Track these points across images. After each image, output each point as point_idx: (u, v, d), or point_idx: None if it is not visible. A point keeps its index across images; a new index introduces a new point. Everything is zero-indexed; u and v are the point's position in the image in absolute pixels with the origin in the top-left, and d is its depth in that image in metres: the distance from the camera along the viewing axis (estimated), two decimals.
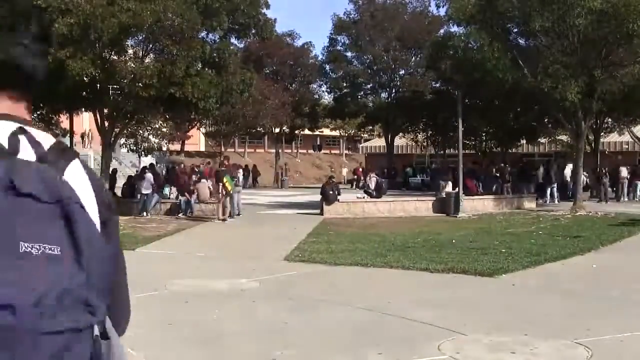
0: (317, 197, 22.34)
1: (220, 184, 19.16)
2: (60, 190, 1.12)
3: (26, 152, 1.15)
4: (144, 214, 20.49)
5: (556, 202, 26.96)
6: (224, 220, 18.84)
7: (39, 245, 1.06)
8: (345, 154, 70.38)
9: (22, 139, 1.16)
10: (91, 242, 1.12)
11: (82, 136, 42.76)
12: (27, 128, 1.19)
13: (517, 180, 28.16)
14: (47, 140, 1.20)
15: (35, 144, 1.17)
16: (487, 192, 25.48)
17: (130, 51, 19.21)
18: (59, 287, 1.06)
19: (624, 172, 29.43)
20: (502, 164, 30.28)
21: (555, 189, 27.83)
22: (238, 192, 20.60)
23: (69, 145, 1.29)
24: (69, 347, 1.06)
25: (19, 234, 1.06)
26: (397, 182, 36.66)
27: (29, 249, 1.05)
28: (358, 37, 41.65)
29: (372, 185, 24.50)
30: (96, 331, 1.11)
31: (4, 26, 1.33)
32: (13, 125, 1.17)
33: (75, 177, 1.20)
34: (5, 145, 1.15)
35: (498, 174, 28.40)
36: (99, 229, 1.20)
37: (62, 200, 1.10)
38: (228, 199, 19.32)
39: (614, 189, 29.52)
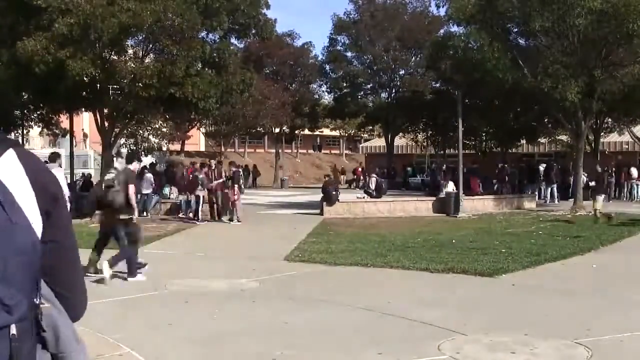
0: (317, 197, 22.33)
1: (236, 185, 19.12)
2: None
3: None
4: (144, 214, 20.47)
5: (556, 202, 26.96)
6: (231, 220, 18.80)
7: None
8: (345, 154, 70.38)
9: None
10: (10, 241, 1.09)
11: (85, 136, 42.87)
12: None
13: (524, 180, 28.17)
14: None
15: None
16: (487, 192, 25.49)
17: (130, 51, 19.20)
18: None
19: (635, 172, 29.49)
20: (501, 164, 30.31)
21: (555, 189, 27.83)
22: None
23: (3, 136, 1.28)
24: None
25: None
26: (396, 182, 36.64)
27: None
28: (358, 37, 41.63)
29: (372, 186, 24.50)
30: (13, 330, 1.08)
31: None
32: None
33: (8, 169, 1.17)
34: None
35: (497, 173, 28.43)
36: (34, 219, 1.18)
37: None
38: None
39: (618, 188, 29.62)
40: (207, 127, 47.56)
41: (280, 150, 48.09)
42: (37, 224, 1.20)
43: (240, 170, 21.38)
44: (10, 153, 1.21)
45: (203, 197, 19.25)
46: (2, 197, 1.11)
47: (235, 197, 18.94)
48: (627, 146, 35.93)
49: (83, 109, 23.82)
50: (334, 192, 21.53)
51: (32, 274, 1.15)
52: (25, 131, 26.51)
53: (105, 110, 19.74)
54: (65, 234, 1.32)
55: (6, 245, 1.08)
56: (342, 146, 72.12)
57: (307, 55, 45.05)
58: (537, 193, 27.71)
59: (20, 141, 30.18)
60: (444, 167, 33.31)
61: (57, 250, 1.28)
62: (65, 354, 1.26)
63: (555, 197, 27.53)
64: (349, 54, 42.98)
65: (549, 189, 27.75)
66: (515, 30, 24.09)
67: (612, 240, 14.55)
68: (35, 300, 1.17)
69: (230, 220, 18.85)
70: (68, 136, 24.69)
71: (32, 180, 1.22)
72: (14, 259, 1.10)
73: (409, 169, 40.19)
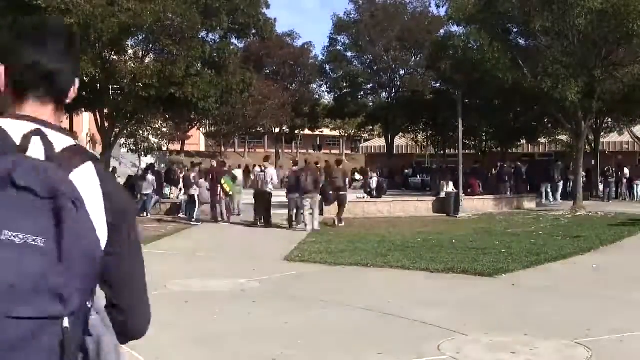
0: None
1: (219, 185, 19.01)
2: (57, 187, 1.17)
3: (36, 151, 1.24)
4: (144, 214, 20.49)
5: (559, 201, 27.02)
6: (217, 221, 18.59)
7: (23, 235, 1.12)
8: (346, 153, 70.43)
9: (36, 139, 1.26)
10: (77, 238, 1.17)
11: (89, 137, 42.94)
12: (46, 130, 1.28)
13: (540, 179, 28.24)
14: (62, 141, 1.30)
15: (47, 144, 1.26)
16: (487, 192, 25.48)
17: (130, 51, 19.19)
18: (35, 274, 1.11)
19: (627, 172, 29.55)
20: (500, 164, 30.31)
21: (560, 188, 27.88)
22: (238, 192, 20.58)
23: (87, 149, 1.37)
24: (36, 334, 1.11)
25: (4, 223, 1.12)
26: (396, 182, 36.60)
27: (12, 237, 1.12)
28: (358, 37, 41.64)
29: (373, 185, 24.49)
30: (66, 323, 1.14)
31: (4, 26, 1.36)
32: (31, 126, 1.27)
33: (83, 178, 1.26)
34: (17, 143, 1.24)
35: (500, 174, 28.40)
36: (100, 229, 1.26)
37: (57, 196, 1.16)
38: (228, 200, 19.25)
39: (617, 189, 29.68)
40: (207, 127, 47.58)
41: (280, 150, 48.10)
42: (101, 233, 1.27)
43: (232, 170, 21.31)
44: (89, 165, 1.30)
45: (198, 197, 19.19)
46: (74, 198, 1.19)
47: (217, 197, 18.81)
48: (627, 146, 35.96)
49: (83, 109, 23.81)
50: (330, 193, 21.48)
51: (89, 276, 1.21)
52: None
53: (105, 110, 19.73)
54: (128, 249, 1.39)
55: (71, 240, 1.15)
56: (342, 146, 72.14)
57: (307, 55, 45.12)
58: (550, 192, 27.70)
59: None
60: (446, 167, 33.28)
61: (119, 263, 1.35)
62: None
63: (558, 196, 27.59)
64: (349, 54, 43.00)
65: (552, 189, 27.85)
66: (515, 30, 24.09)
67: (612, 240, 14.54)
68: (87, 303, 1.24)
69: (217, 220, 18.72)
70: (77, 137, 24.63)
71: (105, 193, 1.30)
72: (76, 255, 1.17)
73: (406, 170, 40.10)
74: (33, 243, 1.12)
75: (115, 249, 1.33)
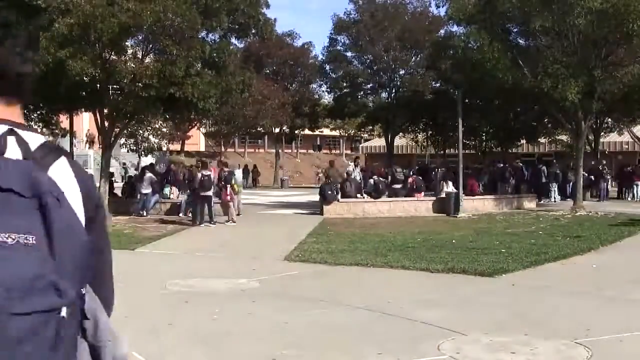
0: (317, 197, 22.34)
1: (229, 185, 19.07)
2: (39, 185, 1.20)
3: (13, 152, 1.25)
4: (144, 213, 20.49)
5: (558, 201, 27.06)
6: (233, 221, 18.64)
7: (15, 235, 1.15)
8: (346, 153, 70.42)
9: (11, 140, 1.27)
10: (65, 233, 1.20)
11: (88, 136, 42.91)
12: (18, 130, 1.29)
13: (547, 179, 28.32)
14: (35, 140, 1.31)
15: (22, 143, 1.27)
16: (488, 192, 25.46)
17: (130, 51, 19.17)
18: (31, 272, 1.15)
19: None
20: (502, 164, 30.28)
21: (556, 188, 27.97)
22: (240, 192, 20.62)
23: (58, 145, 1.39)
24: (39, 327, 1.15)
25: None
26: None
27: (5, 238, 1.14)
28: (358, 37, 41.57)
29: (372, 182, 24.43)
30: (63, 313, 1.19)
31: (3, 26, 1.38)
32: (3, 128, 1.27)
33: (60, 174, 1.29)
34: None
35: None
36: (81, 222, 1.28)
37: (40, 194, 1.19)
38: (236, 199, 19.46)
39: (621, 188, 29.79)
40: (207, 127, 47.59)
41: (280, 150, 48.07)
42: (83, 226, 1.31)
43: (234, 170, 21.43)
44: (63, 160, 1.32)
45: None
46: (57, 194, 1.22)
47: (228, 197, 18.85)
48: (627, 146, 35.97)
49: (83, 109, 23.79)
50: (329, 192, 21.51)
51: (81, 266, 1.25)
52: None
53: (105, 110, 19.71)
54: (104, 240, 1.43)
55: (60, 235, 1.19)
56: (342, 146, 72.14)
57: (307, 55, 45.09)
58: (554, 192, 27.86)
59: None
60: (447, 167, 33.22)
61: (98, 256, 1.38)
62: (102, 344, 1.37)
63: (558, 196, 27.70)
64: (349, 53, 42.91)
65: (555, 188, 27.98)
66: (515, 30, 24.08)
67: (612, 240, 14.54)
68: (82, 290, 1.28)
69: (226, 221, 18.72)
70: (75, 136, 24.65)
71: (81, 187, 1.33)
72: (67, 249, 1.20)
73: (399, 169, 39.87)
74: (25, 242, 1.15)
75: (93, 241, 1.34)
